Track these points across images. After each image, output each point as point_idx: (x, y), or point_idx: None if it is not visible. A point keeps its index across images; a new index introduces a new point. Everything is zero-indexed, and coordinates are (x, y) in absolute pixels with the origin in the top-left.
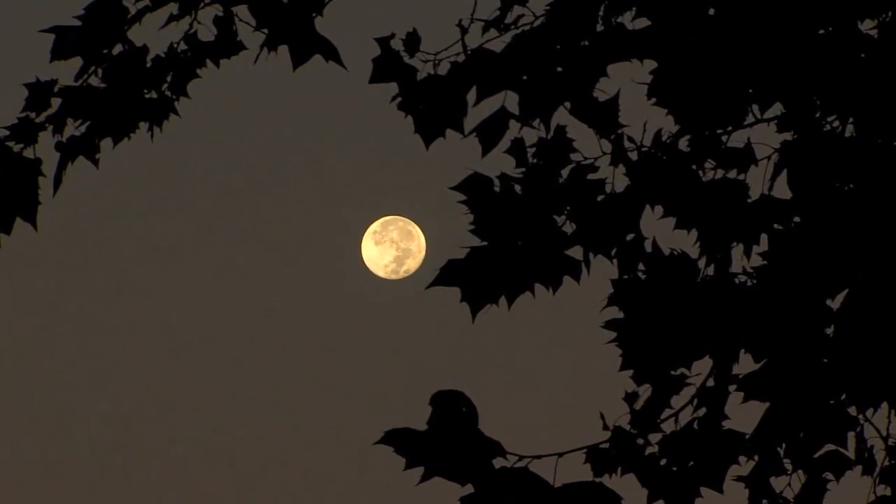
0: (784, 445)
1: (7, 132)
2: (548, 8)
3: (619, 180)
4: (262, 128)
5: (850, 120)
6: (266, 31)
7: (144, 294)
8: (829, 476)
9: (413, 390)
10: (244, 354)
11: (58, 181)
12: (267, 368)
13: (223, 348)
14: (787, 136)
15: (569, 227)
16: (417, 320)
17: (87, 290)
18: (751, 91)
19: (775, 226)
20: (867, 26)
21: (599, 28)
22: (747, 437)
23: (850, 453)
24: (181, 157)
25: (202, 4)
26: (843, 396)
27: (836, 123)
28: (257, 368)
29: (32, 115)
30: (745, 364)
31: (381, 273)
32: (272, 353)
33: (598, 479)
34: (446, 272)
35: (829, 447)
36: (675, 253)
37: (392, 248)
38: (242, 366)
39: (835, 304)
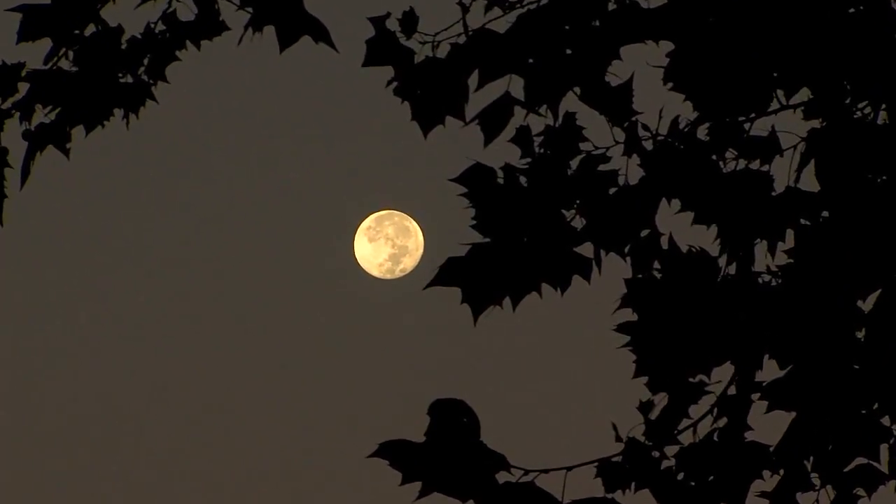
0: (811, 459)
1: None
2: None
3: (632, 171)
4: (246, 115)
5: (883, 106)
6: (250, 9)
7: (123, 292)
8: (861, 492)
9: (410, 398)
10: (225, 361)
11: (25, 173)
12: (251, 375)
13: (202, 355)
14: (815, 123)
15: (578, 223)
16: (415, 323)
17: (69, 286)
18: (775, 75)
19: (802, 221)
20: None
21: (612, 6)
22: (772, 449)
23: (883, 467)
24: (158, 146)
25: None
26: (876, 406)
27: (868, 110)
28: (240, 375)
29: None
30: (770, 370)
31: (375, 272)
32: (257, 358)
33: (610, 496)
34: (446, 271)
35: (861, 460)
36: (694, 250)
37: (387, 245)
38: (224, 373)
39: (866, 305)
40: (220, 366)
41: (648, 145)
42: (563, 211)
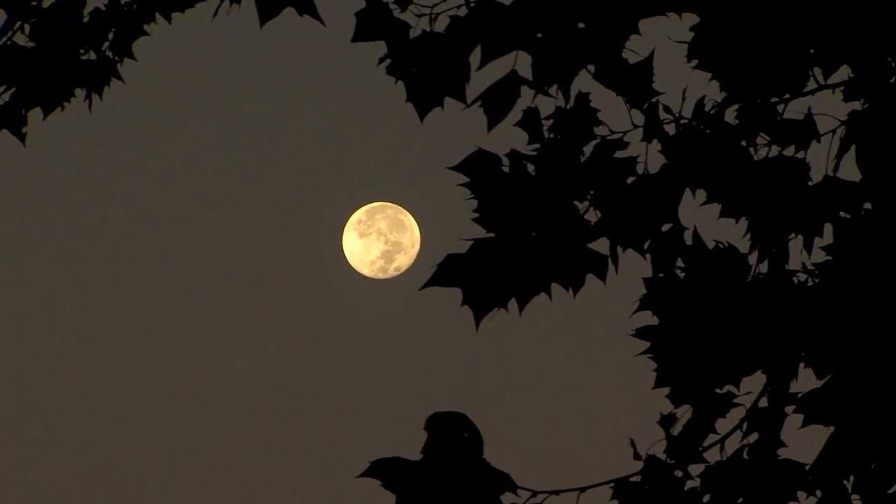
0: (852, 479)
1: None
2: None
3: (653, 159)
4: (223, 95)
5: None
6: None
7: (98, 292)
8: None
9: (405, 411)
10: (199, 372)
11: None
12: (228, 386)
13: (176, 369)
14: (856, 105)
15: (593, 216)
16: (410, 327)
17: (47, 284)
18: (812, 51)
19: (841, 213)
20: None
21: None
22: (808, 468)
23: None
24: (123, 130)
25: None
26: None
27: None
28: (216, 386)
29: None
30: (806, 380)
31: (365, 271)
32: (234, 368)
33: None
34: (445, 270)
35: None
36: (721, 246)
37: (380, 240)
38: (197, 384)
39: None
40: (193, 376)
41: (670, 129)
42: (576, 203)
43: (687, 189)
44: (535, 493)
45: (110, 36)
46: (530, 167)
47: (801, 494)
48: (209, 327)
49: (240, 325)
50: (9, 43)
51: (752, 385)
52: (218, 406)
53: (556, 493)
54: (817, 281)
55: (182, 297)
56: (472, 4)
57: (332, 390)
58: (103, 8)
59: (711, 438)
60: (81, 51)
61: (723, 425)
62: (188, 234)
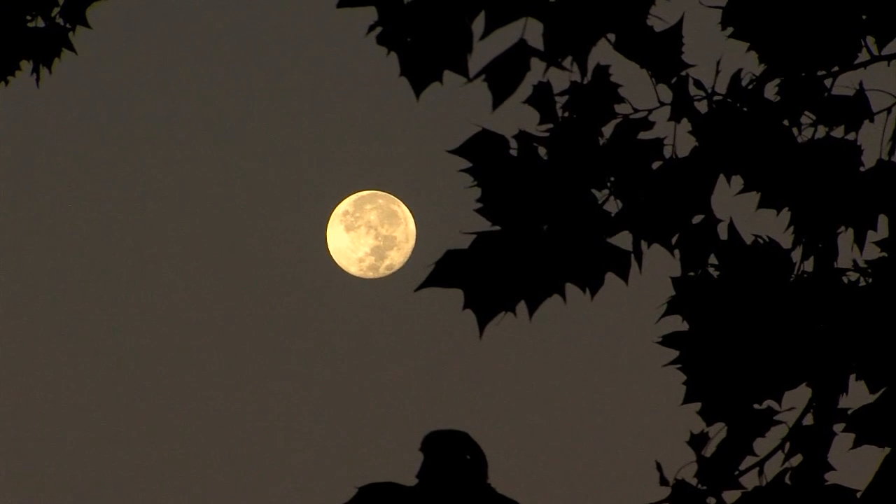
0: None
1: None
2: None
3: (682, 141)
4: (191, 68)
5: None
6: None
7: (66, 286)
8: None
9: (398, 429)
10: (172, 384)
11: None
12: (200, 405)
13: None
14: None
15: (613, 206)
16: (404, 334)
17: (22, 279)
18: (864, 17)
19: None
20: None
21: None
22: (859, 494)
23: None
24: (76, 105)
25: None
26: None
27: None
28: (187, 402)
29: None
30: (857, 395)
31: (353, 269)
32: (207, 381)
33: None
34: (444, 268)
35: None
36: (761, 241)
37: (369, 234)
38: (171, 395)
39: None
40: (156, 389)
41: (702, 107)
42: (594, 191)
43: (721, 175)
44: None
45: (61, 1)
46: (541, 150)
47: None
48: (175, 338)
49: (212, 330)
50: None
51: (796, 400)
52: (185, 424)
53: None
54: (870, 280)
55: (141, 302)
56: None
57: (316, 405)
58: None
59: (749, 461)
60: (28, 17)
61: (762, 446)
62: (157, 224)
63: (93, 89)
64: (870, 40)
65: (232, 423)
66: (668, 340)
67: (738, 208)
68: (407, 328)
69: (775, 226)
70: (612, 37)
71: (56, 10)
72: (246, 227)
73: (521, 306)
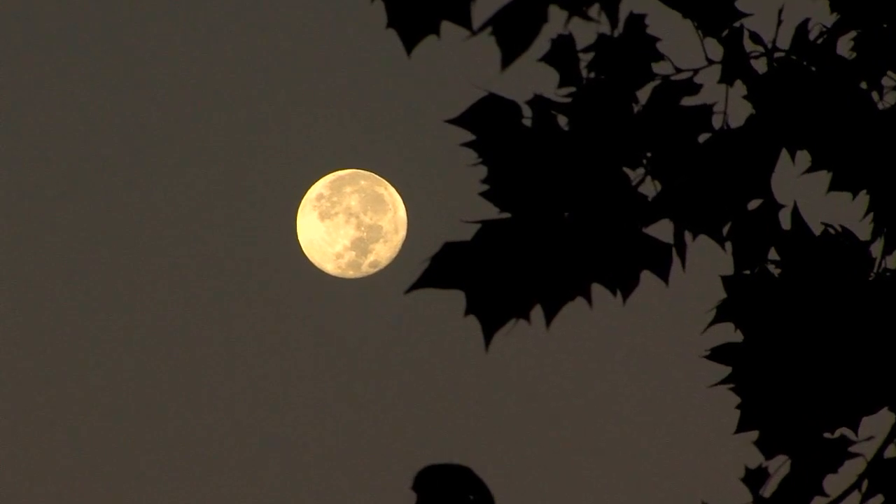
0: None
1: None
2: None
3: (735, 107)
4: (145, 40)
5: None
6: None
7: (33, 282)
8: None
9: (385, 462)
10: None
11: None
12: (159, 423)
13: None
14: None
15: (650, 188)
16: (392, 346)
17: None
18: None
19: None
20: None
21: None
22: None
23: None
24: (49, 101)
25: None
26: None
27: None
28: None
29: None
30: None
31: (329, 267)
32: (163, 396)
33: None
34: (441, 265)
35: None
36: (832, 232)
37: (349, 224)
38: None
39: None
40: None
41: (760, 66)
42: (627, 170)
43: (783, 151)
44: None
45: None
46: (562, 119)
47: None
48: (139, 342)
49: (164, 338)
50: None
51: (876, 428)
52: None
53: None
54: None
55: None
56: None
57: (284, 436)
58: None
59: (819, 502)
60: None
61: (834, 484)
62: (101, 213)
63: (45, 68)
64: None
65: (190, 457)
66: (718, 354)
67: (804, 191)
68: (395, 339)
69: (850, 212)
70: None
71: None
72: (194, 214)
73: (537, 311)
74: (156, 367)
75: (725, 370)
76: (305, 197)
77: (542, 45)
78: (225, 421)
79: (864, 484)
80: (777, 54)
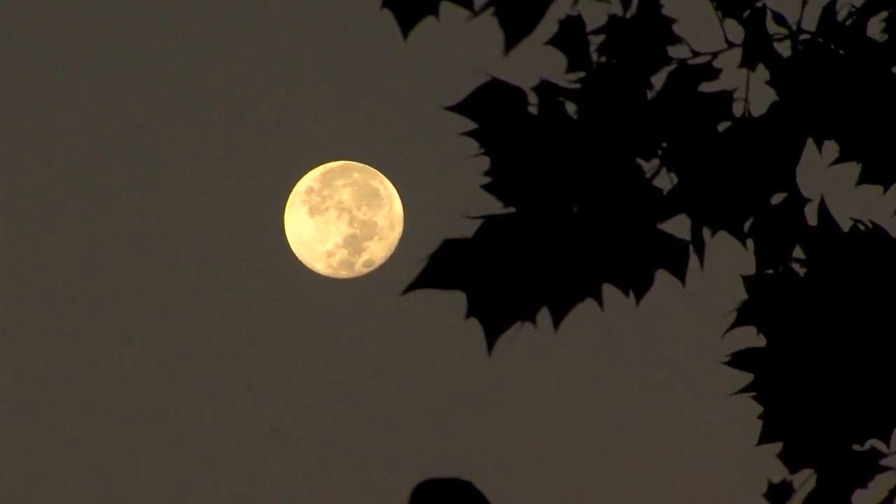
0: None
1: None
2: None
3: (757, 94)
4: (126, 30)
5: None
6: None
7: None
8: None
9: (380, 473)
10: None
11: None
12: (134, 432)
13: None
14: None
15: (666, 180)
16: (386, 352)
17: None
18: None
19: None
20: None
21: None
22: None
23: None
24: (23, 94)
25: None
26: None
27: None
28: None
29: None
30: None
31: (320, 266)
32: (141, 406)
33: None
34: (440, 264)
35: None
36: (861, 228)
37: (341, 219)
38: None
39: None
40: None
41: (784, 50)
42: (641, 161)
43: (809, 140)
44: None
45: None
46: (570, 107)
47: None
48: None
49: (141, 343)
50: None
51: None
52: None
53: None
54: None
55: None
56: None
57: (272, 445)
58: None
59: None
60: None
61: (864, 499)
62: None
63: (24, 63)
64: None
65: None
66: (739, 360)
67: (831, 184)
68: (391, 344)
69: (881, 207)
70: None
71: None
72: (172, 210)
73: (544, 314)
74: (132, 371)
75: (747, 377)
76: (294, 191)
77: (548, 26)
78: (203, 429)
79: None
80: (802, 36)
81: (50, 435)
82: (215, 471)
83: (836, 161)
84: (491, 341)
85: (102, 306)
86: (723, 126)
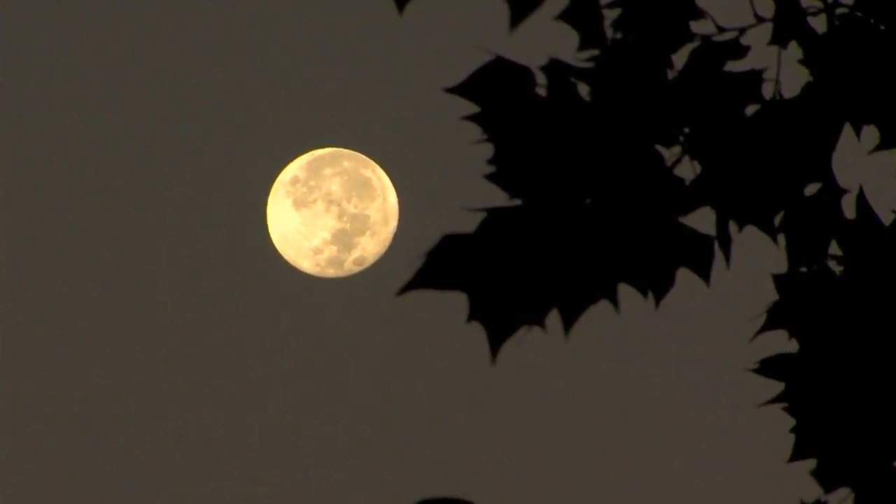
0: None
1: None
2: None
3: (789, 74)
4: (99, 16)
5: None
6: None
7: None
8: None
9: (374, 492)
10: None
11: None
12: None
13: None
14: None
15: (688, 169)
16: (379, 358)
17: None
18: None
19: None
20: None
21: None
22: None
23: None
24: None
25: None
26: None
27: None
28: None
29: None
30: None
31: (306, 264)
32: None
33: None
34: (439, 261)
35: None
36: None
37: (330, 213)
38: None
39: None
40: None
41: (819, 25)
42: (660, 148)
43: (847, 125)
44: None
45: None
46: (583, 88)
47: None
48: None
49: (112, 347)
50: None
51: None
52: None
53: None
54: None
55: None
56: None
57: (253, 458)
58: None
59: None
60: None
61: None
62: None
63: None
64: None
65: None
66: (769, 367)
67: (871, 173)
68: (384, 349)
69: None
70: None
71: None
72: (143, 203)
73: (553, 317)
74: (106, 375)
75: (778, 386)
76: (278, 180)
77: (558, 0)
78: (177, 440)
79: None
80: (839, 10)
81: (25, 444)
82: (191, 472)
83: (877, 148)
84: (495, 347)
85: (64, 306)
86: (751, 109)
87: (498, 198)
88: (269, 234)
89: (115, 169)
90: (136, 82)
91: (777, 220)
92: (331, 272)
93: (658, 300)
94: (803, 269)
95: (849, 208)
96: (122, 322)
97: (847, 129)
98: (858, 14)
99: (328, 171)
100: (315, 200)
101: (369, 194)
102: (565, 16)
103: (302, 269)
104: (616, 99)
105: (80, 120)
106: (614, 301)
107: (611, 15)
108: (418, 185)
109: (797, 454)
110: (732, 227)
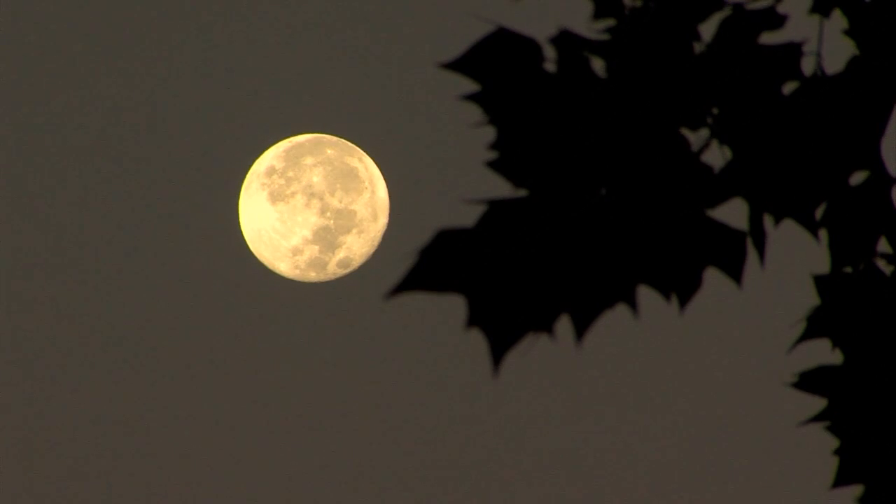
0: None
1: None
2: None
3: (832, 47)
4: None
5: None
6: None
7: None
8: None
9: None
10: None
11: None
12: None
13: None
14: None
15: (717, 156)
16: (367, 370)
17: None
18: None
19: None
20: None
21: None
22: None
23: None
24: None
25: None
26: None
27: None
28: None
29: None
30: None
31: (283, 266)
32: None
33: None
34: (433, 261)
35: None
36: None
37: (311, 208)
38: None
39: None
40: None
41: None
42: (686, 132)
43: None
44: None
45: None
46: (597, 63)
47: None
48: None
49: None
50: None
51: None
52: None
53: None
54: None
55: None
56: None
57: (232, 477)
58: None
59: None
60: None
61: None
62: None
63: None
64: None
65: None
66: (809, 381)
67: None
68: (372, 361)
69: None
70: None
71: None
72: (113, 196)
73: (564, 323)
74: (55, 377)
75: (820, 403)
76: (251, 171)
77: None
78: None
79: None
80: None
81: None
82: (170, 474)
83: None
84: (497, 357)
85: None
86: (789, 87)
87: (501, 188)
88: (241, 233)
89: (67, 153)
90: (96, 67)
91: (818, 213)
92: (312, 276)
93: (683, 304)
94: (848, 270)
95: None
96: (76, 327)
97: None
98: None
99: (309, 161)
100: (294, 194)
101: (356, 187)
102: None
103: (279, 272)
104: (635, 75)
105: (38, 112)
106: (633, 305)
107: None
108: (411, 176)
109: (841, 479)
110: (767, 221)
